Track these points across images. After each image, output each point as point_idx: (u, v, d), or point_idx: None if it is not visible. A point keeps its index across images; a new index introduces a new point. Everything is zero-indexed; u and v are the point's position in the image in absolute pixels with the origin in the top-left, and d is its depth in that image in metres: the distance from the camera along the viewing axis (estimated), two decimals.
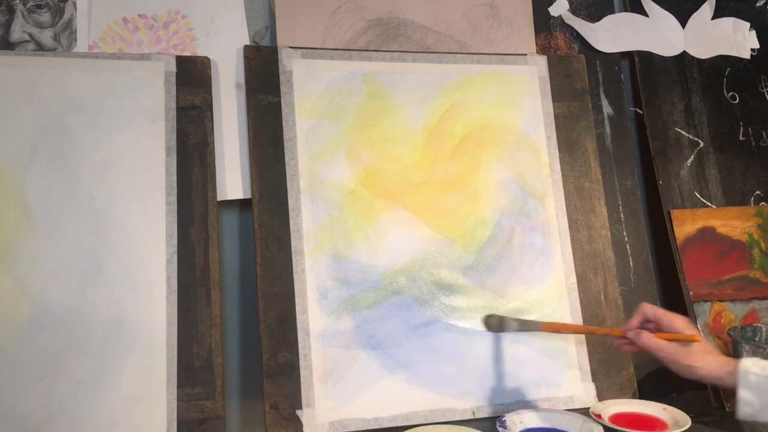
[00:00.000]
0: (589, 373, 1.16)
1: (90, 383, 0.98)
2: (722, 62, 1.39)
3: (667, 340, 0.97)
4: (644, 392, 1.18)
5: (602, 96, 1.31)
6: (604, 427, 0.99)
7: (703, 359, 0.95)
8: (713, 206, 1.29)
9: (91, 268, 1.02)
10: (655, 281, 1.26)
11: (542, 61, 1.28)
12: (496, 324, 1.10)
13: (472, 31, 1.28)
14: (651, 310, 1.00)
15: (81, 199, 1.04)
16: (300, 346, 1.07)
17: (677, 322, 0.98)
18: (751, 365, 0.91)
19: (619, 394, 1.16)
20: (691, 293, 1.21)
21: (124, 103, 1.08)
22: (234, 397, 1.14)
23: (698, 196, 1.29)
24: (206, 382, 1.02)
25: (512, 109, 1.25)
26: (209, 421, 1.01)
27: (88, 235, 1.03)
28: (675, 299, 1.24)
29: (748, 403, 0.90)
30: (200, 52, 1.16)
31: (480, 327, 1.12)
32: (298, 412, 1.04)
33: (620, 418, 1.06)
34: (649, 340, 0.97)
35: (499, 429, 0.98)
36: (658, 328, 0.99)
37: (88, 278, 1.02)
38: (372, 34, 1.24)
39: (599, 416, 1.04)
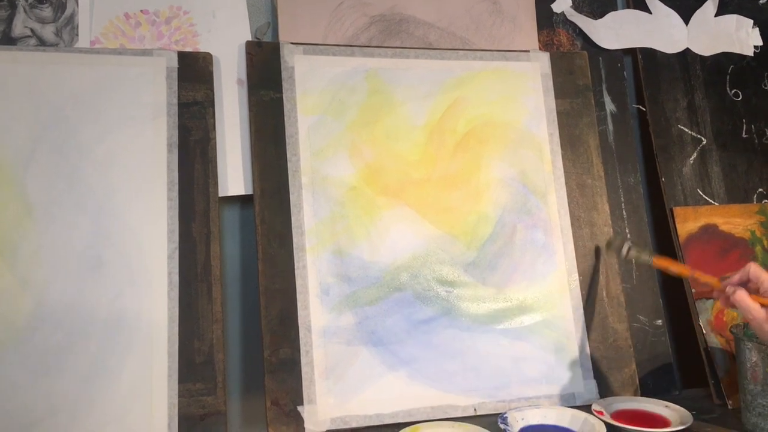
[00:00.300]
0: (591, 370, 1.15)
1: (90, 378, 0.98)
2: (725, 59, 1.39)
3: (761, 303, 0.94)
4: (646, 390, 1.18)
5: (605, 93, 1.31)
6: (606, 424, 0.99)
7: None
8: (716, 204, 1.29)
9: (92, 263, 1.02)
10: (657, 279, 1.25)
11: (545, 57, 1.28)
12: (617, 244, 1.12)
13: (474, 28, 1.28)
14: (756, 270, 0.97)
15: (82, 195, 1.04)
16: (301, 342, 1.07)
17: None
18: None
19: (621, 391, 1.16)
20: (693, 291, 1.20)
21: (126, 99, 1.08)
22: (235, 393, 1.14)
23: (701, 193, 1.29)
24: (207, 377, 1.02)
25: (515, 105, 1.24)
26: (210, 416, 1.01)
27: (89, 231, 1.03)
28: (677, 297, 1.23)
29: None
30: (202, 48, 1.16)
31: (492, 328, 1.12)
32: (299, 408, 1.04)
33: (622, 415, 1.06)
34: (743, 299, 0.95)
35: (501, 426, 0.98)
36: (756, 290, 0.97)
37: (89, 273, 1.02)
38: (374, 30, 1.24)
39: (601, 413, 1.04)
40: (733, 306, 0.98)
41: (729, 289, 0.97)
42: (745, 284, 0.98)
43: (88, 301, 1.01)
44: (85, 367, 0.99)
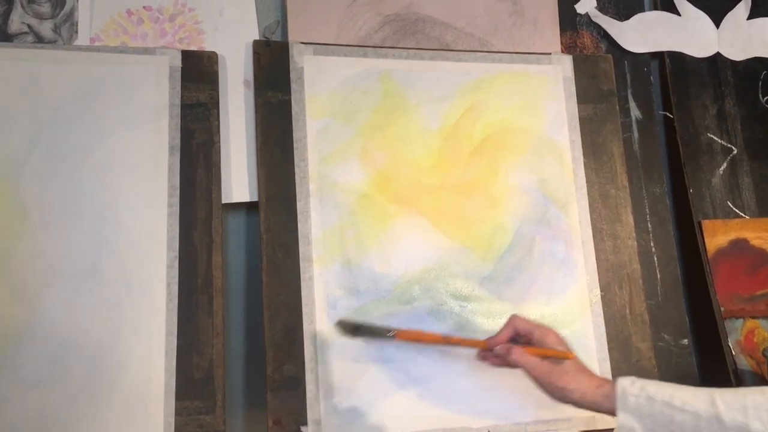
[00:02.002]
0: None
1: (84, 393, 0.93)
2: (758, 65, 1.31)
3: (539, 356, 0.90)
4: None
5: (630, 98, 1.24)
6: None
7: (577, 380, 0.87)
8: (746, 217, 1.22)
9: (89, 271, 0.97)
10: (683, 295, 1.18)
11: (567, 60, 1.21)
12: (348, 329, 0.99)
13: (493, 29, 1.22)
14: (523, 323, 0.93)
15: (79, 199, 0.99)
16: (306, 358, 1.01)
17: (550, 336, 0.91)
18: (628, 385, 0.82)
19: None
20: (722, 309, 1.14)
21: (127, 99, 1.03)
22: (236, 412, 1.08)
23: (731, 205, 1.22)
24: (206, 395, 0.97)
25: (535, 110, 1.18)
26: None
27: (86, 237, 0.98)
28: (704, 315, 1.17)
29: (630, 429, 0.80)
30: (207, 47, 1.11)
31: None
32: (302, 428, 0.98)
33: None
34: (521, 356, 0.90)
35: None
36: (529, 343, 0.92)
37: (84, 282, 0.97)
38: (388, 30, 1.18)
39: None
40: (507, 366, 0.92)
41: (499, 349, 0.92)
42: (515, 340, 0.93)
43: (83, 310, 0.96)
44: (77, 381, 0.93)
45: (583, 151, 1.18)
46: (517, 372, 1.06)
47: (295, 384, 1.00)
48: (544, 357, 0.90)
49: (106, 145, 1.01)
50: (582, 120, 1.19)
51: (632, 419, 0.80)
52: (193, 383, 0.96)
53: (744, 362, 1.11)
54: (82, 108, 1.02)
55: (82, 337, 0.95)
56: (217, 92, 1.07)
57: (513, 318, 0.94)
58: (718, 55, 1.30)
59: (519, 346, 0.91)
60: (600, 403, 0.85)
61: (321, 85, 1.11)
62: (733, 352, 1.11)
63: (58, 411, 0.92)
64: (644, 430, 0.79)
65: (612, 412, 0.83)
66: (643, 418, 0.80)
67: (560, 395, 0.88)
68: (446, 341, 0.99)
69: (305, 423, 0.99)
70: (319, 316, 1.03)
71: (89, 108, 1.02)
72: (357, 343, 1.03)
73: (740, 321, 1.14)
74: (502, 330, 0.94)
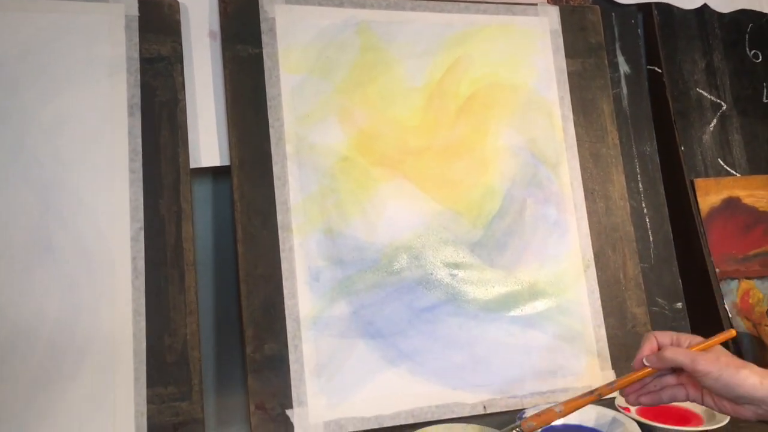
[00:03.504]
0: (609, 360, 1.04)
1: (40, 385, 0.83)
2: (743, 17, 1.27)
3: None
4: None
5: (618, 53, 1.18)
6: (636, 422, 0.88)
7: (749, 371, 0.72)
8: (737, 174, 1.18)
9: (40, 247, 0.86)
10: (675, 257, 1.14)
11: (554, 12, 1.14)
12: None
13: None
14: (661, 335, 0.79)
15: (26, 166, 0.87)
16: (289, 336, 0.93)
17: (695, 338, 0.79)
18: None
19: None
20: (717, 270, 1.10)
21: (78, 52, 0.91)
22: (210, 397, 0.99)
23: (722, 163, 1.18)
24: (181, 380, 0.87)
25: (522, 65, 1.11)
26: (185, 425, 0.86)
27: (36, 209, 0.87)
28: (698, 278, 1.12)
29: None
30: None
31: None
32: (288, 411, 0.90)
33: (649, 411, 0.95)
34: (679, 352, 0.75)
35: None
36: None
37: (36, 259, 0.85)
38: None
39: (627, 409, 0.93)
40: (663, 391, 0.80)
41: (649, 358, 0.78)
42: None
43: (36, 291, 0.85)
44: (33, 371, 0.83)
45: (573, 108, 1.12)
46: (511, 342, 1.00)
47: (278, 364, 0.91)
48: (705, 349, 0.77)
49: (56, 105, 0.90)
50: (570, 75, 1.13)
51: None
52: (165, 367, 0.87)
53: (741, 324, 1.08)
54: (27, 62, 0.90)
55: (35, 321, 0.85)
56: (180, 45, 0.96)
57: (647, 335, 0.81)
58: (705, 6, 1.25)
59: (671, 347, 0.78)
60: None
61: (295, 38, 1.01)
62: (730, 315, 1.08)
63: (13, 406, 0.81)
64: None
65: None
66: None
67: (732, 393, 0.73)
68: (599, 396, 0.80)
69: (290, 406, 0.91)
70: (301, 289, 0.95)
71: (35, 62, 0.90)
72: (343, 317, 0.95)
73: (735, 282, 1.10)
74: (640, 349, 0.80)
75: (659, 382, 0.80)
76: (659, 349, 0.78)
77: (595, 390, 0.80)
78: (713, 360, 0.73)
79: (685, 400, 0.79)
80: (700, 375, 0.73)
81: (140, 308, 0.87)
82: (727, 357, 0.75)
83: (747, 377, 0.72)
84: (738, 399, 0.73)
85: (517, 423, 0.79)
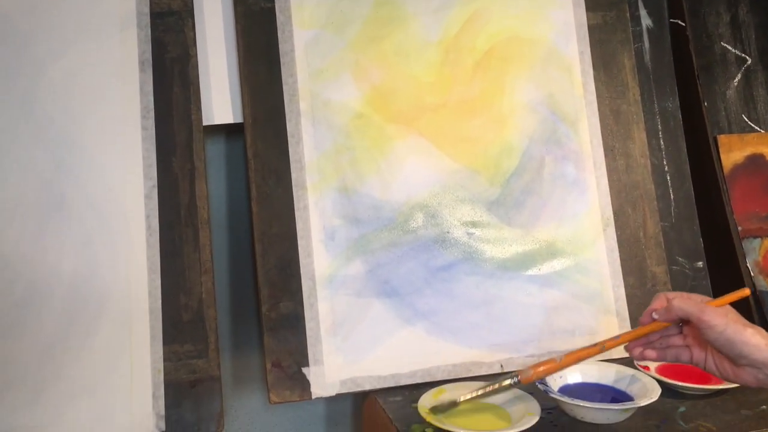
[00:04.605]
0: (628, 320, 1.03)
1: (56, 344, 0.83)
2: None
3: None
4: None
5: (640, 5, 1.14)
6: (655, 380, 0.87)
7: (755, 331, 0.71)
8: (762, 131, 1.15)
9: (53, 204, 0.86)
10: (696, 215, 1.12)
11: None
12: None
13: None
14: (672, 294, 0.77)
15: (38, 122, 0.86)
16: (305, 294, 0.92)
17: (706, 299, 0.76)
18: None
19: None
20: (739, 228, 1.07)
21: (87, 7, 0.90)
22: (227, 355, 0.99)
23: (746, 119, 1.15)
24: (197, 338, 0.87)
25: (540, 19, 1.08)
26: (202, 383, 0.86)
27: (48, 166, 0.86)
28: (719, 236, 1.10)
29: None
30: None
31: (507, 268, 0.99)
32: (304, 370, 0.90)
33: (669, 370, 0.94)
34: (688, 302, 0.73)
35: (539, 385, 0.85)
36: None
37: (49, 217, 0.85)
38: None
39: (647, 368, 0.92)
40: (669, 347, 0.78)
41: (659, 312, 0.75)
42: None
43: (50, 250, 0.85)
44: (49, 329, 0.83)
45: (593, 63, 1.09)
46: (529, 302, 0.99)
47: (294, 322, 0.91)
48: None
49: (66, 59, 0.89)
50: (591, 29, 1.09)
51: None
52: (181, 325, 0.87)
53: (763, 283, 1.06)
54: (36, 17, 0.88)
55: (51, 279, 0.85)
56: None
57: (662, 298, 0.77)
58: None
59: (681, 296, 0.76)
60: None
61: None
62: (752, 274, 1.06)
63: (28, 365, 0.82)
64: None
65: None
66: None
67: (739, 353, 0.71)
68: (602, 348, 0.79)
69: (306, 364, 0.90)
70: (317, 248, 0.94)
71: (44, 18, 0.89)
72: (359, 276, 0.94)
73: (758, 240, 1.08)
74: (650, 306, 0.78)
75: (665, 341, 0.79)
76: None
77: (599, 342, 0.79)
78: (721, 314, 0.72)
79: (689, 362, 0.78)
80: (705, 326, 0.71)
81: (155, 266, 0.87)
82: (735, 315, 0.74)
83: (752, 335, 0.70)
84: (739, 358, 0.71)
85: (515, 371, 0.78)
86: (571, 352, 0.79)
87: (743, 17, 1.19)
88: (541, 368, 0.78)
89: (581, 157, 1.06)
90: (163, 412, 0.84)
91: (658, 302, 0.77)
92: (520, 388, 0.81)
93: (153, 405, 0.84)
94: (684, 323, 0.77)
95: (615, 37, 1.11)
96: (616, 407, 0.82)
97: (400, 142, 0.99)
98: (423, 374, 0.94)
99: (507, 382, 0.79)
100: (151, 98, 0.90)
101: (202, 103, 0.94)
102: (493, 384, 0.80)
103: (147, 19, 0.91)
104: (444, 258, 0.98)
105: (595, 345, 0.79)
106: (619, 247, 1.05)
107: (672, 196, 1.10)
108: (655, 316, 0.76)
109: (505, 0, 1.07)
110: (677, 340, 0.78)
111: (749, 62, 1.17)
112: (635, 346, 0.79)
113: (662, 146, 1.11)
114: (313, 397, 0.90)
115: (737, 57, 1.17)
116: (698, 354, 0.76)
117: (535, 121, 1.05)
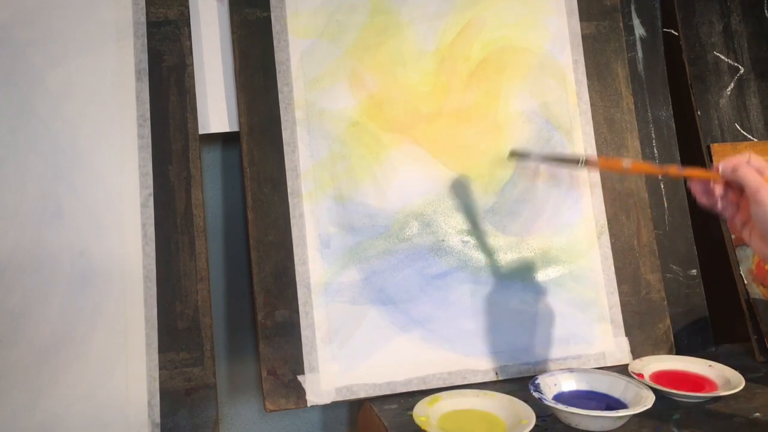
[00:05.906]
0: (622, 327, 1.03)
1: (53, 350, 0.83)
2: None
3: None
4: (680, 347, 1.06)
5: (633, 15, 1.15)
6: (650, 388, 0.87)
7: None
8: (754, 140, 1.16)
9: (50, 212, 0.86)
10: (690, 224, 1.12)
11: None
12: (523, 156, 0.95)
13: None
14: (757, 159, 0.76)
15: (35, 130, 0.87)
16: (300, 302, 0.92)
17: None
18: None
19: (654, 349, 1.04)
20: (732, 237, 1.08)
21: (84, 16, 0.90)
22: (222, 363, 0.99)
23: (739, 128, 1.16)
24: (193, 346, 0.87)
25: (535, 28, 1.09)
26: (198, 390, 0.86)
27: (45, 174, 0.87)
28: (713, 244, 1.11)
29: None
30: None
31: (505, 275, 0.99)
32: (299, 377, 0.90)
33: (663, 377, 0.94)
34: (751, 175, 0.73)
35: (533, 393, 0.85)
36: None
37: (46, 225, 0.85)
38: None
39: (641, 376, 0.92)
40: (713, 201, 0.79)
41: (725, 167, 0.77)
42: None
43: (47, 257, 0.85)
44: (45, 336, 0.83)
45: (587, 72, 1.09)
46: (523, 309, 1.00)
47: (289, 330, 0.91)
48: None
49: (64, 69, 0.89)
50: (585, 38, 1.10)
51: None
52: (177, 333, 0.87)
53: (756, 291, 1.06)
54: (34, 27, 0.89)
55: (47, 286, 0.85)
56: (187, 8, 0.95)
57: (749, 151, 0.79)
58: None
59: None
60: None
61: (304, 1, 0.99)
62: (745, 282, 1.06)
63: (26, 371, 0.82)
64: None
65: None
66: None
67: None
68: (666, 172, 0.84)
69: (302, 372, 0.91)
70: (312, 255, 0.94)
71: (42, 27, 0.89)
72: (355, 284, 0.95)
73: (751, 249, 1.08)
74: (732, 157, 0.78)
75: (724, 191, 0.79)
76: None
77: (665, 166, 0.87)
78: None
79: (732, 220, 0.79)
80: (757, 203, 0.72)
81: (151, 274, 0.87)
82: None
83: None
84: None
85: (583, 156, 0.82)
86: (639, 163, 0.97)
87: (736, 27, 1.20)
88: (606, 163, 0.94)
89: None
90: (158, 420, 0.84)
91: (741, 158, 0.76)
92: None
93: (149, 413, 0.84)
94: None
95: (609, 46, 1.11)
96: (611, 415, 0.82)
97: (395, 151, 1.00)
98: (418, 382, 0.94)
99: (576, 159, 0.87)
100: (148, 107, 0.91)
101: (199, 112, 0.94)
102: (565, 156, 0.96)
103: (144, 29, 0.92)
104: (439, 266, 0.99)
105: (662, 167, 0.90)
106: (613, 255, 1.05)
107: (666, 205, 1.11)
108: (720, 168, 0.77)
109: (500, 9, 1.08)
110: (733, 197, 0.78)
111: (742, 71, 1.18)
112: (695, 183, 0.80)
113: (656, 155, 1.12)
114: (309, 404, 0.90)
115: (730, 66, 1.18)
116: (741, 220, 0.78)
117: (530, 129, 1.06)
